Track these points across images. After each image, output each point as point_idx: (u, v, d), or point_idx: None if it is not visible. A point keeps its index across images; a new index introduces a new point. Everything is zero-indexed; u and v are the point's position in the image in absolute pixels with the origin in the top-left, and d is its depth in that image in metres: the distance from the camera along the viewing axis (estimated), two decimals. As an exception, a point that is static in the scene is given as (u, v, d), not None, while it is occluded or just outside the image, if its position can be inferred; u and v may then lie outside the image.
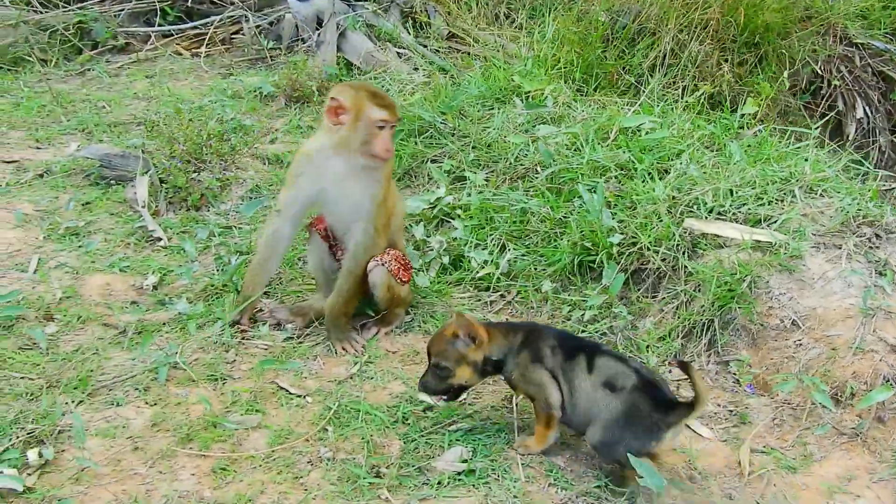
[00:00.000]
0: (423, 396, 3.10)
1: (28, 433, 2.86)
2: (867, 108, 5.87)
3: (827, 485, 2.87)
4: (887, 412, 3.10)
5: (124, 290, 3.89)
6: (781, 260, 3.46)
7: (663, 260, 3.66)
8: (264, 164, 5.04)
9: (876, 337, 3.17)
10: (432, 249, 4.14)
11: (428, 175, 4.74)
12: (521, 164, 4.56)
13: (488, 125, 4.92)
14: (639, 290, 3.73)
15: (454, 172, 4.66)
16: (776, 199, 3.80)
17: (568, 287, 3.86)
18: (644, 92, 5.21)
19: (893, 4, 6.20)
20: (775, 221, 3.65)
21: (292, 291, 3.90)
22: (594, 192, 3.90)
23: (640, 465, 2.55)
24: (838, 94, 5.88)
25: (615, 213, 3.87)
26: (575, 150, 4.48)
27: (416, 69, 6.00)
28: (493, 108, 5.12)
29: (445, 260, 4.10)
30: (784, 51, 5.57)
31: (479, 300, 3.94)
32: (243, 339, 3.53)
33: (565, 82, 5.36)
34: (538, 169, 4.47)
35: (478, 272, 4.01)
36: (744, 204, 3.81)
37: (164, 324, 3.64)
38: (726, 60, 5.46)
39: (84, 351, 3.40)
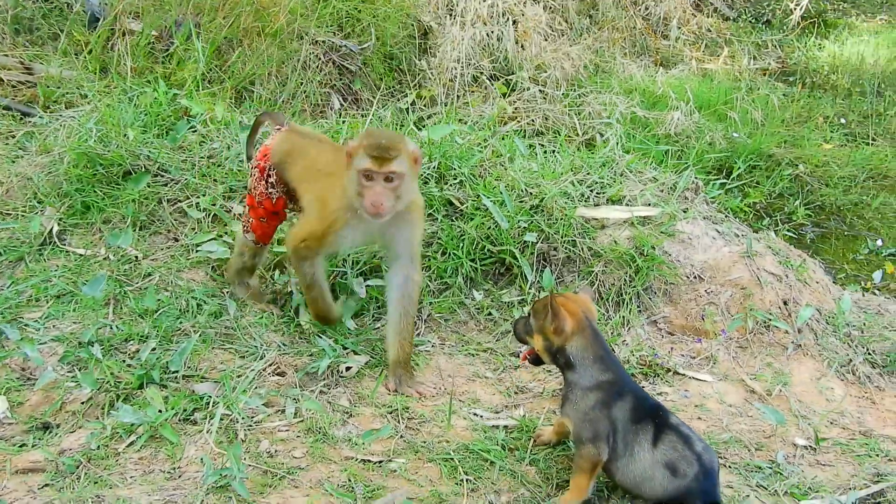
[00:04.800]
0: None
1: None
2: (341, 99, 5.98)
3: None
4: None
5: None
6: (665, 229, 4.14)
7: (574, 247, 4.07)
8: None
9: (765, 271, 4.04)
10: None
11: (175, 220, 4.21)
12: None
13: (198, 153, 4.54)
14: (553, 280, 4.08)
15: (208, 210, 4.24)
16: (613, 182, 4.45)
17: (489, 295, 4.03)
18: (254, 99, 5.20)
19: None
20: (634, 200, 4.31)
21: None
22: (497, 202, 4.11)
23: None
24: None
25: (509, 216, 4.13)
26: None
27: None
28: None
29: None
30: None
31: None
32: (252, 424, 3.03)
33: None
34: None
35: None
36: (591, 189, 4.39)
37: (105, 444, 2.92)
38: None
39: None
